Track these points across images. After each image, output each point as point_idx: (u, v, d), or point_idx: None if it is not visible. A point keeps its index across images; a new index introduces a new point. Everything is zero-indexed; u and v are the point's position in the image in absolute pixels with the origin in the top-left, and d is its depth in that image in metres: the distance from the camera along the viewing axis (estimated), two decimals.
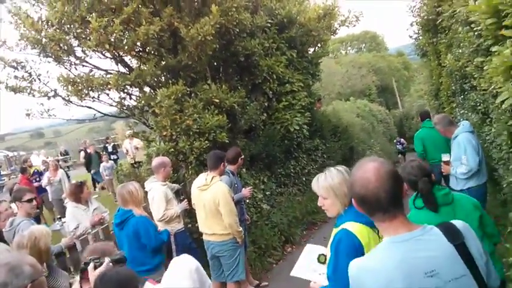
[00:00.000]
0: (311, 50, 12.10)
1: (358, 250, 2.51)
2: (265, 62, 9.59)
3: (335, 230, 2.78)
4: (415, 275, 1.67)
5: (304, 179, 10.72)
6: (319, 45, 12.23)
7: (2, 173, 23.10)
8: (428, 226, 1.78)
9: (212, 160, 5.49)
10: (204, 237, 5.63)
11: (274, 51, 10.11)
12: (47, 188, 11.42)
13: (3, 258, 2.43)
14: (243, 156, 6.40)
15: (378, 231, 2.19)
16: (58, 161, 14.50)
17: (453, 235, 1.76)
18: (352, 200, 1.91)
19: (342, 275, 2.10)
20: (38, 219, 10.71)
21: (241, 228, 5.46)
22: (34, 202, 5.29)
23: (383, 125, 23.85)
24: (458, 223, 1.83)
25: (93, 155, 15.18)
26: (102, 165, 13.94)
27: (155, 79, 8.31)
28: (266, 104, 9.88)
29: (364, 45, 55.35)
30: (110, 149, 16.00)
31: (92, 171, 15.20)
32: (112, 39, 7.54)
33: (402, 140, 22.28)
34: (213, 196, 5.27)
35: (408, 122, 32.51)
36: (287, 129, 9.98)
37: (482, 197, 5.21)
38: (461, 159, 5.34)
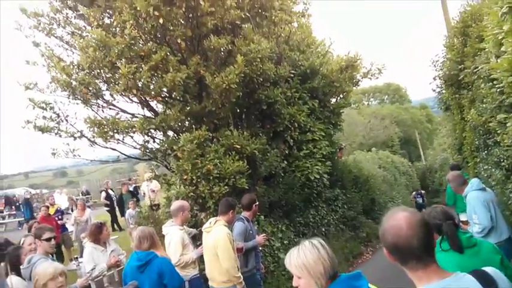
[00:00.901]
0: (333, 100, 12.25)
1: None
2: (287, 111, 9.73)
3: None
4: None
5: (323, 229, 10.54)
6: (341, 95, 12.38)
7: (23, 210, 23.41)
8: (460, 273, 1.80)
9: (223, 206, 5.51)
10: (209, 282, 5.54)
11: (297, 100, 10.28)
12: (73, 227, 11.48)
13: None
14: (257, 203, 6.32)
15: None
16: (78, 199, 14.60)
17: (487, 281, 1.77)
18: (384, 249, 1.90)
19: None
20: (59, 257, 10.75)
21: (239, 275, 5.28)
22: (53, 241, 5.33)
23: (405, 177, 23.53)
24: (489, 269, 1.85)
25: (125, 195, 15.16)
26: (128, 211, 13.94)
27: (179, 124, 8.49)
28: (287, 152, 9.93)
29: (386, 96, 55.62)
30: (131, 190, 16.17)
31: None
32: (140, 85, 7.81)
33: (423, 192, 20.64)
34: (214, 239, 5.23)
35: (431, 175, 31.96)
36: (307, 177, 9.95)
37: (506, 254, 5.05)
38: (472, 218, 5.26)
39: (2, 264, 5.44)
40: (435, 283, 1.74)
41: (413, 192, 19.23)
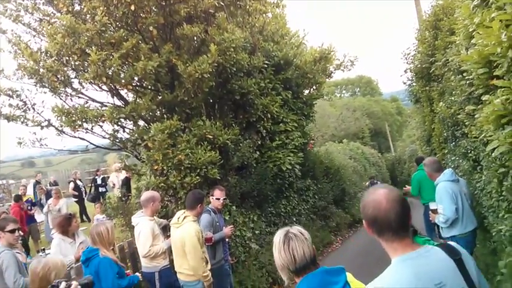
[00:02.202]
0: (306, 91, 12.31)
1: None
2: (261, 101, 9.71)
3: None
4: (427, 286, 1.83)
5: (294, 219, 10.62)
6: (314, 87, 12.45)
7: None
8: (429, 246, 1.99)
9: (189, 201, 5.42)
10: (177, 275, 5.50)
11: (270, 91, 10.26)
12: (43, 216, 11.16)
13: None
14: (225, 197, 6.24)
15: None
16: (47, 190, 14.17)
17: (452, 251, 1.97)
18: (364, 221, 2.02)
19: None
20: (27, 249, 10.48)
21: (207, 273, 5.24)
22: (17, 233, 5.16)
23: (375, 168, 23.93)
24: (453, 243, 2.05)
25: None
26: (95, 217, 13.54)
27: (150, 113, 8.35)
28: (259, 142, 9.93)
29: (358, 89, 56.36)
30: (99, 181, 15.84)
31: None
32: (110, 73, 7.62)
33: (377, 182, 19.11)
34: (181, 235, 5.17)
35: (400, 166, 32.65)
36: (279, 168, 9.98)
37: (468, 246, 5.19)
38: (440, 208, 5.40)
39: None
40: (409, 253, 1.90)
41: (368, 181, 18.50)
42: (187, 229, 5.15)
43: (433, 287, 1.83)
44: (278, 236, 2.46)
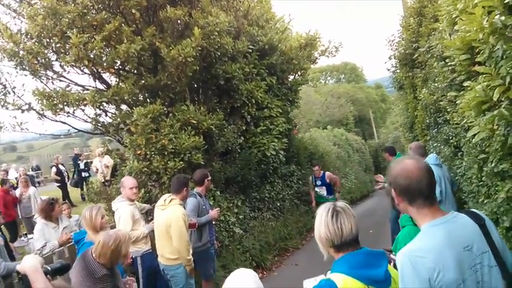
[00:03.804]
0: (291, 77, 12.26)
1: None
2: (245, 87, 9.65)
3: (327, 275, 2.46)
4: (458, 249, 1.97)
5: (278, 204, 10.69)
6: (299, 73, 12.40)
7: None
8: (455, 212, 2.14)
9: (174, 185, 5.47)
10: (158, 258, 5.51)
11: (255, 76, 10.20)
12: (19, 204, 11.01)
13: None
14: (209, 178, 6.31)
15: None
16: (27, 175, 13.99)
17: (476, 217, 2.11)
18: (393, 191, 2.15)
19: None
20: (12, 233, 10.38)
21: (190, 257, 5.29)
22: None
23: (359, 155, 24.09)
24: (478, 211, 2.20)
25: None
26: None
27: (133, 97, 8.23)
28: (244, 128, 9.89)
29: (343, 76, 56.48)
30: (81, 166, 15.70)
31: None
32: (92, 56, 7.49)
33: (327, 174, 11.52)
34: (167, 218, 5.20)
35: (383, 153, 32.88)
36: (264, 153, 9.98)
37: None
38: None
39: None
40: (439, 218, 2.05)
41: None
42: (173, 212, 5.18)
43: (462, 249, 1.97)
44: (324, 210, 2.37)
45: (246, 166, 9.36)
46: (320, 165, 10.70)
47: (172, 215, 5.16)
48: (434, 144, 7.70)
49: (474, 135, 3.61)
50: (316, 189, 10.23)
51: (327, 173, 10.33)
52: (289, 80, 12.07)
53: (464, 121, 4.32)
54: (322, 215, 2.38)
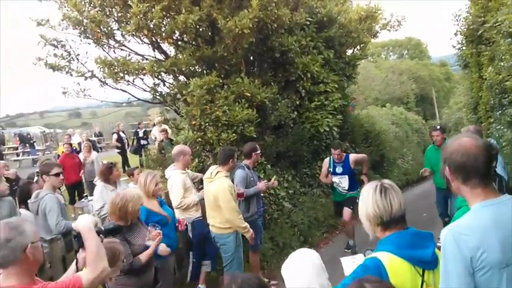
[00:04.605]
0: (349, 51, 11.90)
1: None
2: (301, 60, 9.49)
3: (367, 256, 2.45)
4: (505, 232, 1.90)
5: None
6: (358, 47, 12.02)
7: (37, 148, 23.91)
8: (509, 195, 2.06)
9: (221, 156, 5.59)
10: (210, 227, 5.65)
11: (311, 49, 9.98)
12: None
13: (6, 220, 2.51)
14: (258, 152, 6.32)
15: (423, 271, 2.18)
16: (90, 141, 14.71)
17: None
18: (447, 168, 2.06)
19: None
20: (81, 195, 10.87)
21: (245, 224, 5.40)
22: (61, 176, 5.41)
23: (418, 135, 23.23)
24: None
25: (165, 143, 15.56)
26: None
27: (190, 68, 8.38)
28: (298, 102, 9.78)
29: (406, 51, 54.14)
30: (140, 134, 16.29)
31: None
32: (151, 25, 7.66)
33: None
34: (215, 190, 5.35)
35: (445, 134, 31.47)
36: (317, 129, 9.85)
37: None
38: None
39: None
40: (491, 200, 1.98)
41: None
42: (220, 185, 5.31)
43: (509, 233, 1.90)
44: (371, 187, 2.35)
45: (298, 141, 9.31)
46: (342, 148, 7.78)
47: (219, 188, 5.29)
48: (498, 127, 7.26)
49: None
50: (334, 179, 7.41)
51: (352, 156, 7.60)
52: (348, 54, 11.72)
53: None
54: (369, 193, 2.35)
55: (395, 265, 2.17)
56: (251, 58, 9.38)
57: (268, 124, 8.75)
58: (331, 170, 7.41)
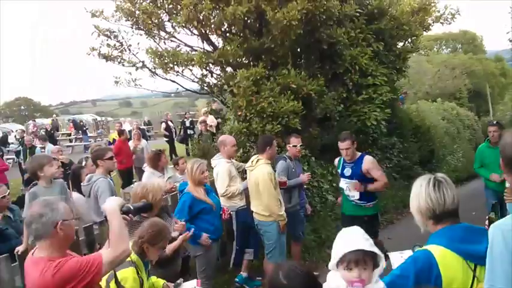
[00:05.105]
0: (400, 44, 11.56)
1: (429, 279, 2.13)
2: (349, 52, 9.35)
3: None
4: None
5: None
6: (409, 40, 11.66)
7: (89, 134, 24.96)
8: None
9: (260, 144, 5.68)
10: (254, 214, 5.73)
11: (360, 41, 9.78)
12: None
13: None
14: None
15: (475, 266, 2.13)
16: (140, 129, 15.21)
17: None
18: (501, 161, 2.03)
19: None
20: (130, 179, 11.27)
21: (282, 212, 5.43)
22: (114, 160, 5.65)
23: (469, 132, 22.36)
24: None
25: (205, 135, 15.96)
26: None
27: (237, 60, 8.47)
28: (345, 95, 9.64)
29: (460, 45, 52.01)
30: (187, 124, 16.68)
31: None
32: (201, 17, 7.80)
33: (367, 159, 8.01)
34: (255, 177, 5.44)
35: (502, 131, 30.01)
36: (363, 123, 9.68)
37: None
38: None
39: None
40: None
41: None
42: (260, 171, 5.40)
43: None
44: (424, 180, 2.33)
45: None
46: (355, 140, 5.80)
47: (259, 174, 5.38)
48: None
49: None
50: (343, 183, 5.75)
51: (368, 159, 5.68)
52: (398, 47, 11.40)
53: None
54: (422, 185, 2.32)
55: (447, 258, 2.14)
56: (298, 50, 9.34)
57: (313, 116, 8.70)
58: (340, 172, 5.87)
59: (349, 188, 5.60)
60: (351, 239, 2.20)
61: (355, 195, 5.60)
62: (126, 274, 3.12)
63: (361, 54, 9.56)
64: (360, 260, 2.10)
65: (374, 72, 9.95)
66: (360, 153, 5.74)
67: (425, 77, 34.70)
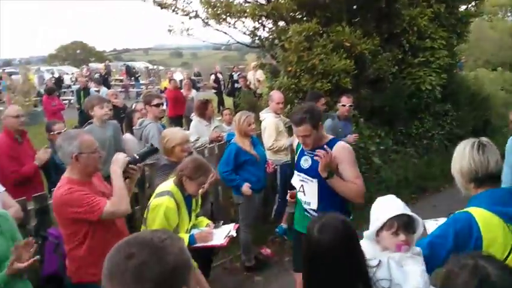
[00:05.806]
0: (463, 7, 10.91)
1: (469, 240, 2.10)
2: (408, 12, 8.90)
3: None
4: None
5: (425, 142, 10.09)
6: (473, 3, 10.98)
7: (141, 82, 25.56)
8: None
9: (307, 99, 5.83)
10: None
11: (421, 2, 9.29)
12: None
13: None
14: (348, 104, 6.19)
15: None
16: (190, 80, 15.44)
17: None
18: None
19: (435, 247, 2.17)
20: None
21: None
22: (162, 107, 5.81)
23: None
24: None
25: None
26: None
27: (290, 14, 8.30)
28: (400, 57, 9.27)
29: None
30: (235, 77, 16.75)
31: None
32: None
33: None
34: None
35: None
36: (418, 87, 9.33)
37: None
38: None
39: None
40: None
41: None
42: None
43: None
44: (467, 144, 2.30)
45: (395, 97, 8.95)
46: (319, 118, 3.58)
47: None
48: None
49: None
50: (296, 179, 3.78)
51: (340, 145, 3.56)
52: (460, 10, 10.76)
53: None
54: (465, 149, 2.29)
55: (487, 220, 2.11)
56: (354, 7, 8.99)
57: (365, 77, 8.49)
58: (296, 162, 3.87)
59: (304, 189, 3.64)
60: (393, 204, 2.26)
61: (310, 201, 3.59)
62: (160, 201, 3.38)
63: (420, 15, 9.08)
64: (407, 223, 2.15)
65: (433, 34, 9.47)
66: (330, 137, 3.72)
67: (487, 44, 32.76)
